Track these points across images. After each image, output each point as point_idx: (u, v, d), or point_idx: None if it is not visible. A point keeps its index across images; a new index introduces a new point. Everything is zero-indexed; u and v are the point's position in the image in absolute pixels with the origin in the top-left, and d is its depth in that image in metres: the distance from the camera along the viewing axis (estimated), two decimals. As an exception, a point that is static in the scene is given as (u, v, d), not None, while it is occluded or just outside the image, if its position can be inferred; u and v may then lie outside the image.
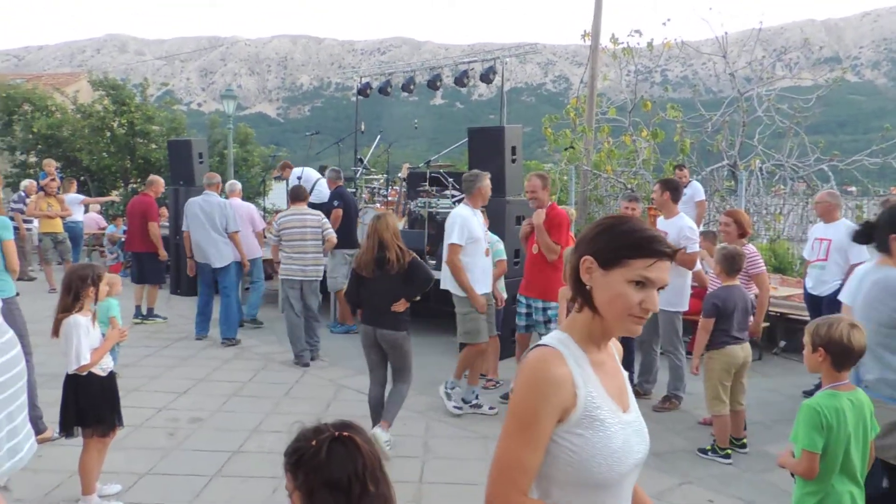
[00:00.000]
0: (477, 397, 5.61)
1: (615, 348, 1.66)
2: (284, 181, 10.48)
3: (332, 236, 7.17)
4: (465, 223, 5.43)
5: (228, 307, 7.74)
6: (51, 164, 12.51)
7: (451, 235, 5.42)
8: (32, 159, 18.50)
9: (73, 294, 3.71)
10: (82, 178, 18.23)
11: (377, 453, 1.51)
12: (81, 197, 12.59)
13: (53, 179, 11.32)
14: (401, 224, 10.16)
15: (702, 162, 12.11)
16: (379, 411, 4.82)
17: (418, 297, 4.81)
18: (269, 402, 5.74)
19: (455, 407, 5.52)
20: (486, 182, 5.65)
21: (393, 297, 4.66)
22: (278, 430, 5.06)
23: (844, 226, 6.02)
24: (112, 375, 3.88)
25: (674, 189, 5.75)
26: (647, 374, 6.05)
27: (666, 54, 13.27)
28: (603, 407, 1.47)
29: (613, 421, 1.48)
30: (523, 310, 5.87)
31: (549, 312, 5.71)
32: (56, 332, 3.71)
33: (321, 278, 7.22)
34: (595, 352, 1.53)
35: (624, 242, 1.48)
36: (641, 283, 1.46)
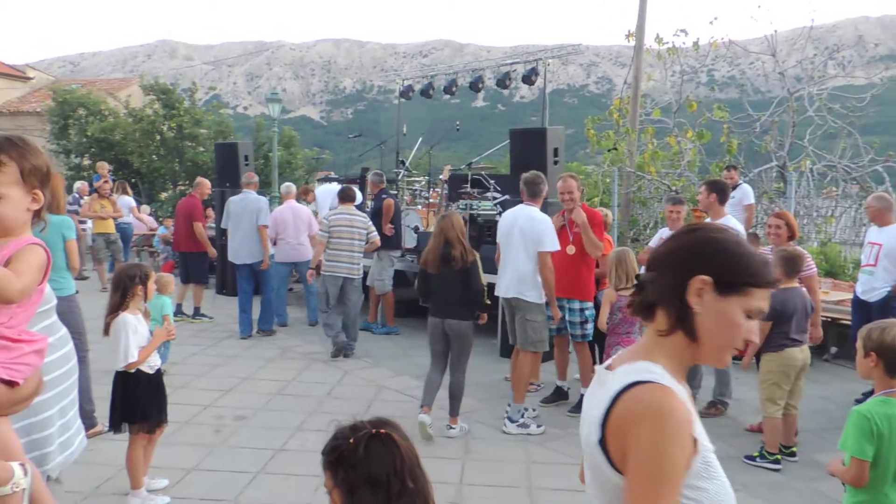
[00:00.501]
0: (523, 416, 5.24)
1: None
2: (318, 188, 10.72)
3: (376, 238, 7.45)
4: (553, 229, 5.32)
5: (265, 301, 8.11)
6: (104, 167, 12.91)
7: (547, 242, 5.23)
8: (86, 162, 19.15)
9: (122, 293, 3.83)
10: (133, 180, 18.77)
11: (415, 450, 1.52)
12: (134, 204, 13.06)
13: (106, 181, 11.66)
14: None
15: (749, 163, 11.84)
16: (432, 392, 5.14)
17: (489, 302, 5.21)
18: (311, 401, 5.82)
19: (538, 427, 5.19)
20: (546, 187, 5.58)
21: (458, 290, 5.00)
22: (320, 430, 5.12)
23: None
24: (159, 373, 3.98)
25: (720, 191, 5.65)
26: (691, 380, 5.92)
27: (712, 54, 13.02)
28: (709, 448, 1.31)
29: (716, 463, 1.31)
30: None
31: (586, 313, 5.67)
32: (107, 331, 3.83)
33: (361, 275, 7.43)
34: (684, 383, 1.36)
35: (748, 268, 1.33)
36: (748, 314, 1.33)
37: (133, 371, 3.80)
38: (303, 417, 5.39)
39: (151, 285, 3.94)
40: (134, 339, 3.76)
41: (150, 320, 4.00)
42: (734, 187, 8.52)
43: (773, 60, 11.99)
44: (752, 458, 4.67)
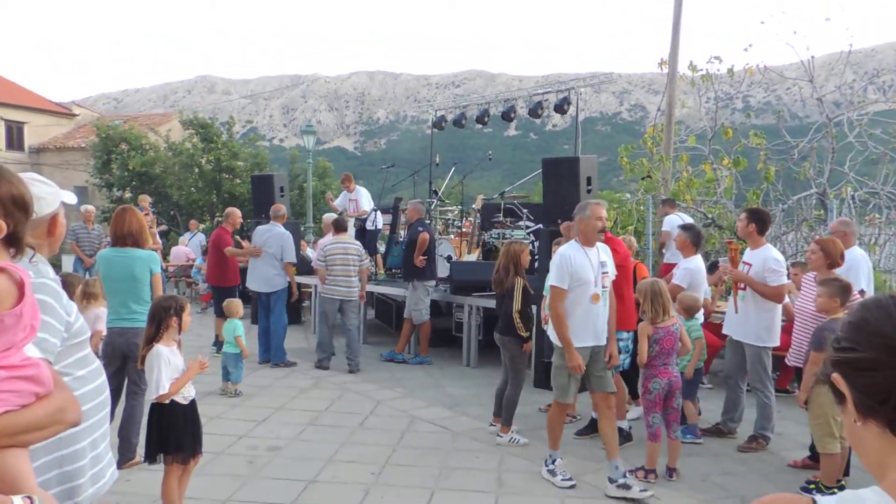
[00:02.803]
0: (554, 462, 4.83)
1: None
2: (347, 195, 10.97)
3: (366, 266, 8.32)
4: (566, 263, 4.70)
5: (275, 332, 8.27)
6: (145, 200, 13.21)
7: (550, 276, 4.81)
8: (128, 195, 19.65)
9: (157, 324, 3.88)
10: (172, 212, 19.19)
11: None
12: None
13: (147, 214, 11.93)
14: (474, 255, 10.20)
15: (787, 190, 11.61)
16: (497, 401, 5.80)
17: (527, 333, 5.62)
18: (344, 431, 5.80)
19: (564, 480, 4.72)
20: (586, 213, 4.79)
21: (501, 309, 5.71)
22: (353, 461, 5.10)
23: (858, 252, 5.91)
24: (193, 404, 4.00)
25: (760, 220, 5.53)
26: (731, 412, 5.77)
27: (747, 80, 12.89)
28: None
29: None
30: None
31: (620, 343, 5.55)
32: (142, 362, 3.88)
33: (357, 298, 8.21)
34: None
35: None
36: None
37: (167, 402, 3.83)
38: (335, 448, 5.36)
39: (186, 317, 3.98)
40: (166, 371, 3.80)
41: (181, 350, 4.03)
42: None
43: (811, 86, 11.82)
44: (808, 490, 4.52)
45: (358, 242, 8.37)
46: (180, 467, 3.89)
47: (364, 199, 11.27)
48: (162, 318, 3.87)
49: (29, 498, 1.49)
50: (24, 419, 1.56)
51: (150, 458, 3.87)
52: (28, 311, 1.60)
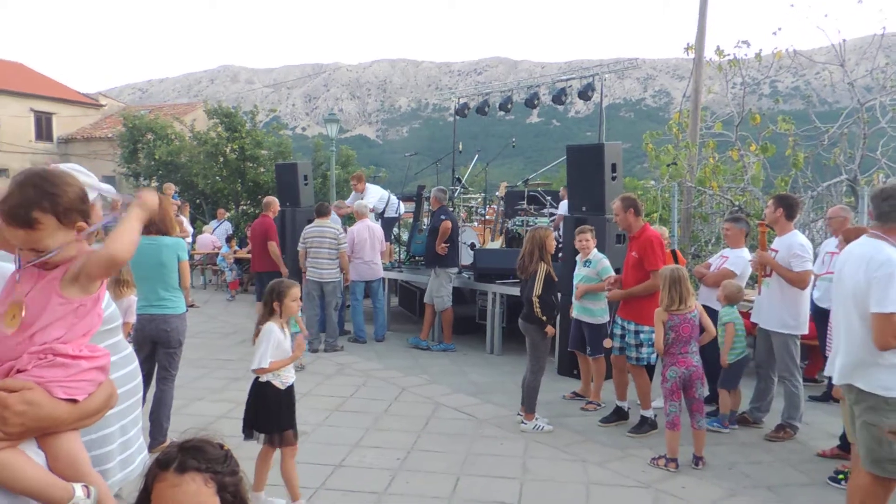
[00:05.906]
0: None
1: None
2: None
3: (344, 249, 8.37)
4: None
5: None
6: (170, 188, 13.39)
7: (881, 298, 3.16)
8: (154, 184, 19.87)
9: (268, 307, 4.03)
10: (198, 200, 19.40)
11: None
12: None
13: (174, 203, 12.08)
14: (497, 243, 10.19)
15: (817, 177, 11.40)
16: (522, 390, 5.74)
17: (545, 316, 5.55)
18: (369, 417, 5.85)
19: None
20: None
21: (525, 294, 5.65)
22: (378, 446, 5.14)
23: None
24: (290, 389, 4.06)
25: (788, 206, 5.46)
26: (760, 402, 5.72)
27: (776, 65, 12.63)
28: None
29: None
30: (618, 331, 5.77)
31: (642, 336, 5.53)
32: (256, 336, 4.01)
33: (337, 280, 8.39)
34: None
35: None
36: None
37: (264, 381, 3.94)
38: (361, 434, 5.42)
39: (289, 302, 4.02)
40: (271, 348, 3.90)
41: (287, 333, 4.12)
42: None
43: (842, 70, 11.56)
44: (837, 479, 4.48)
45: (335, 227, 8.55)
46: (269, 448, 3.99)
47: (371, 197, 11.24)
48: (269, 300, 4.01)
49: (86, 487, 1.57)
50: (90, 406, 1.65)
51: (246, 432, 4.00)
52: (102, 299, 1.71)
